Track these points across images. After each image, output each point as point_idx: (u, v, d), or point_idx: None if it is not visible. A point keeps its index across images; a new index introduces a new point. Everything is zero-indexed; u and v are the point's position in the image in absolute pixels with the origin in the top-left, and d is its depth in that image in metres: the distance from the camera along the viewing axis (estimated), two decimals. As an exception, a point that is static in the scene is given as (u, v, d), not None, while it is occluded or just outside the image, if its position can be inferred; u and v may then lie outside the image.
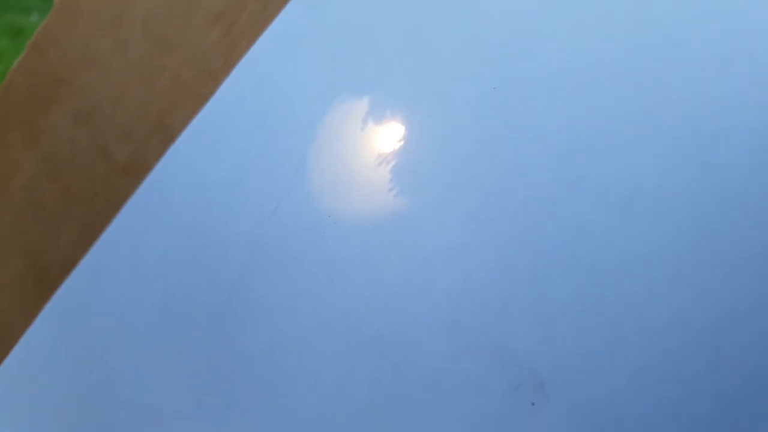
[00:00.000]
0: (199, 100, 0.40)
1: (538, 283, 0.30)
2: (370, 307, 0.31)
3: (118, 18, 0.44)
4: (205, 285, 0.35)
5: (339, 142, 0.34)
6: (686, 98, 0.28)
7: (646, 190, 0.29)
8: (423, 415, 0.31)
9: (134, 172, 0.41)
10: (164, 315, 0.36)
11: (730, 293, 0.28)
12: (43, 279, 0.42)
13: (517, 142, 0.31)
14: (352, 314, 0.32)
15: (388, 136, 0.34)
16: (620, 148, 0.29)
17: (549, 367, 0.29)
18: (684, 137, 0.28)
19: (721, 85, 0.28)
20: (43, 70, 0.46)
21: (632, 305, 0.29)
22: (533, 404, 0.29)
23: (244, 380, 0.34)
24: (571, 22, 0.30)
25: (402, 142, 0.33)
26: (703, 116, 0.28)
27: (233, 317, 0.35)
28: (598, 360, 0.29)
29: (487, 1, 0.33)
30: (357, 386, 0.32)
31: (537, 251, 0.30)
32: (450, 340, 0.31)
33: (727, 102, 0.28)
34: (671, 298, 0.28)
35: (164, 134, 0.40)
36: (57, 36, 0.45)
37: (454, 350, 0.31)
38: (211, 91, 0.39)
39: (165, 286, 0.36)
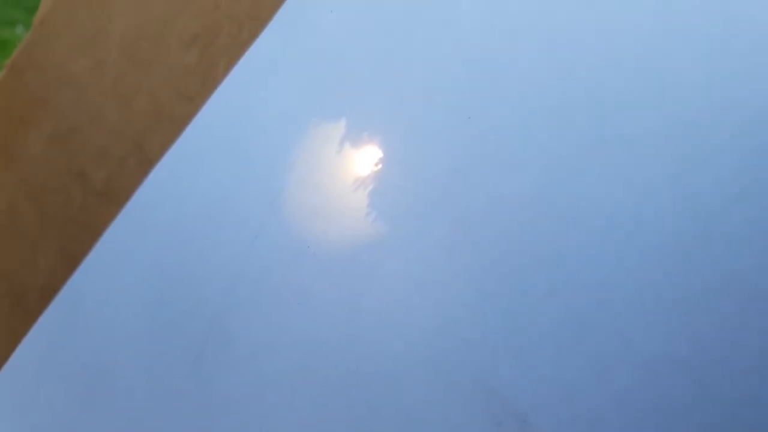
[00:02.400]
0: (177, 122, 0.39)
1: (516, 315, 0.29)
2: (349, 342, 0.31)
3: (95, 38, 0.43)
4: (183, 320, 0.35)
5: (316, 169, 0.34)
6: (660, 127, 0.28)
7: (622, 219, 0.28)
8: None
9: (111, 194, 0.40)
10: (144, 345, 0.36)
11: (710, 323, 0.27)
12: (21, 303, 0.42)
13: (492, 171, 0.30)
14: (330, 350, 0.31)
15: (364, 163, 0.33)
16: (595, 178, 0.29)
17: (531, 402, 0.29)
18: (658, 165, 0.28)
19: (697, 112, 0.27)
20: (21, 91, 0.45)
21: (612, 337, 0.28)
22: (513, 439, 0.28)
23: (222, 411, 0.33)
24: (545, 53, 0.30)
25: (378, 170, 0.33)
26: (679, 144, 0.27)
27: (212, 349, 0.35)
28: (580, 393, 0.28)
29: (463, 32, 0.32)
30: (336, 423, 0.31)
31: (514, 283, 0.29)
32: (430, 376, 0.30)
33: (704, 129, 0.27)
34: (651, 328, 0.28)
35: (141, 156, 0.40)
36: (35, 57, 0.45)
37: (435, 387, 0.30)
38: (189, 114, 0.39)
39: (143, 321, 0.36)
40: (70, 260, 0.41)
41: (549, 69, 0.30)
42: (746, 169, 0.27)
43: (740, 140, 0.27)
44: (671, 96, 0.28)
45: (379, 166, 0.33)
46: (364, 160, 0.33)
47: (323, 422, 0.32)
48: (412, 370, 0.31)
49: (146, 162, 0.40)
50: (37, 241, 0.42)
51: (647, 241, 0.28)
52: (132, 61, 0.42)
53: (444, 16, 0.34)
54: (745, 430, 0.27)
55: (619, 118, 0.29)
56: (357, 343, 0.31)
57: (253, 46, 0.38)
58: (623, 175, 0.28)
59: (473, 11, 0.34)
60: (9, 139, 0.45)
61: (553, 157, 0.29)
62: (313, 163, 0.35)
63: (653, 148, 0.28)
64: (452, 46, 0.32)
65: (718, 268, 0.27)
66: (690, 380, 0.27)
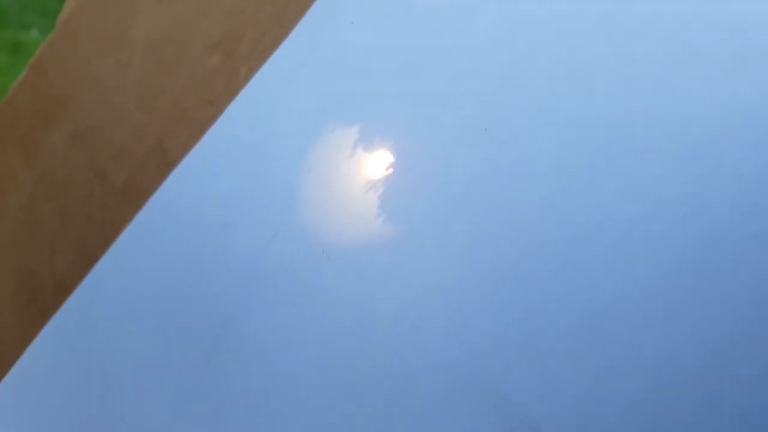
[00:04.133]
0: (198, 125, 0.40)
1: (530, 323, 0.30)
2: (363, 345, 0.31)
3: (119, 40, 0.44)
4: (199, 318, 0.35)
5: (335, 175, 0.34)
6: (673, 142, 0.28)
7: (635, 232, 0.29)
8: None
9: (130, 194, 0.41)
10: (158, 347, 0.36)
11: (719, 334, 0.28)
12: (37, 299, 0.42)
13: (508, 181, 0.31)
14: (344, 352, 0.32)
15: (379, 169, 0.34)
16: (609, 190, 0.29)
17: (542, 409, 0.29)
18: (671, 180, 0.28)
19: (708, 129, 0.28)
20: (43, 88, 0.46)
21: (623, 347, 0.29)
22: (525, 447, 0.29)
23: (235, 414, 0.34)
24: (562, 68, 0.31)
25: (392, 176, 0.34)
26: (690, 159, 0.28)
27: (225, 351, 0.35)
28: (591, 402, 0.29)
29: (482, 46, 0.33)
30: (348, 425, 0.31)
31: (528, 291, 0.30)
32: (443, 381, 0.31)
33: (714, 146, 0.28)
34: (662, 339, 0.28)
35: (161, 158, 0.40)
36: (58, 56, 0.46)
37: (447, 391, 0.31)
38: (211, 118, 0.39)
39: (159, 318, 0.37)
40: (87, 258, 0.41)
41: (565, 83, 0.31)
42: (754, 185, 0.28)
43: (747, 157, 0.28)
44: (685, 112, 0.29)
45: (394, 172, 0.34)
46: (380, 166, 0.34)
47: (335, 425, 0.32)
48: (424, 375, 0.31)
49: (167, 164, 0.40)
50: (55, 238, 0.43)
51: (660, 253, 0.28)
52: (156, 63, 0.42)
53: (463, 30, 0.35)
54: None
55: (633, 133, 0.29)
56: (370, 347, 0.32)
57: (275, 53, 0.38)
58: (637, 188, 0.29)
59: (492, 28, 0.34)
60: (31, 137, 0.45)
61: (568, 170, 0.30)
62: (331, 168, 0.35)
63: (666, 162, 0.29)
64: (470, 59, 0.33)
65: (729, 281, 0.28)
66: (701, 392, 0.28)
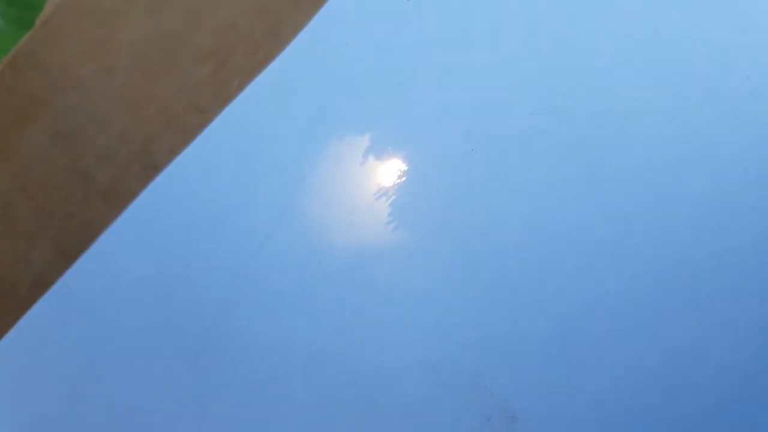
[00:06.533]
0: (187, 131, 0.41)
1: (509, 324, 0.33)
2: (349, 342, 0.34)
3: (103, 45, 0.45)
4: (182, 321, 0.36)
5: (325, 186, 0.37)
6: (646, 165, 0.33)
7: (609, 243, 0.33)
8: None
9: (114, 196, 0.42)
10: (137, 347, 0.37)
11: (682, 337, 0.32)
12: (11, 294, 0.42)
13: (492, 194, 0.34)
14: (330, 349, 0.34)
15: (372, 182, 0.36)
16: (586, 205, 0.33)
17: (519, 400, 0.32)
18: (642, 199, 0.33)
19: (681, 154, 0.33)
20: (20, 88, 0.46)
21: (595, 346, 0.32)
22: (505, 434, 0.32)
23: (219, 411, 0.35)
24: (547, 95, 0.34)
25: (386, 188, 0.36)
26: (663, 175, 0.32)
27: (211, 351, 0.36)
28: (564, 394, 0.32)
29: (470, 75, 0.36)
30: (334, 419, 0.33)
31: (509, 295, 0.33)
32: (425, 376, 0.33)
33: (685, 173, 0.32)
34: (630, 340, 0.32)
35: (147, 161, 0.42)
36: (37, 57, 0.46)
37: (429, 385, 0.33)
38: (200, 124, 0.41)
39: (139, 319, 0.37)
40: (65, 256, 0.42)
41: (548, 109, 0.34)
42: (719, 206, 0.32)
43: (717, 181, 0.33)
44: (660, 137, 0.33)
45: (384, 182, 0.36)
46: (370, 177, 0.37)
47: (322, 417, 0.34)
48: (409, 369, 0.34)
49: (152, 166, 0.41)
50: (32, 234, 0.43)
51: (629, 265, 0.32)
52: (143, 70, 0.44)
53: (452, 58, 0.38)
54: (715, 428, 0.31)
55: (611, 157, 0.33)
56: (356, 344, 0.34)
57: (268, 68, 0.40)
58: (611, 206, 0.33)
59: (482, 56, 0.38)
60: (3, 135, 0.45)
61: (548, 188, 0.33)
62: (323, 178, 0.37)
63: (639, 184, 0.33)
64: (459, 89, 0.36)
65: (690, 290, 0.32)
66: (661, 386, 0.32)
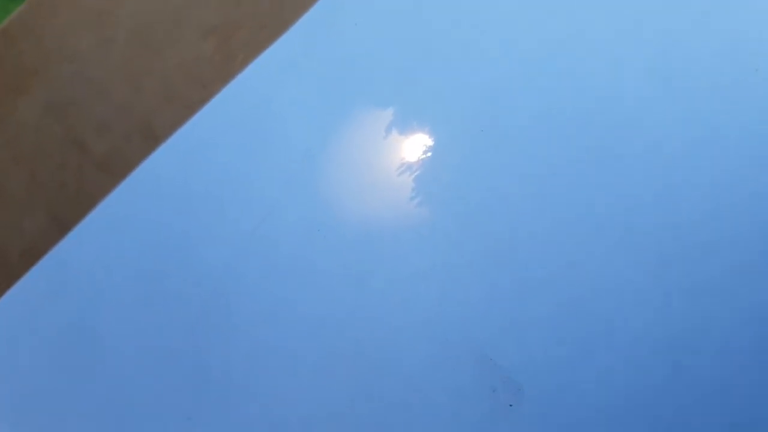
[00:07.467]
0: (189, 105, 0.41)
1: (516, 297, 0.34)
2: (353, 315, 0.34)
3: (101, 16, 0.44)
4: (182, 292, 0.36)
5: (329, 160, 0.37)
6: (661, 139, 0.34)
7: (618, 220, 0.34)
8: (403, 418, 0.34)
9: (112, 166, 0.41)
10: (134, 318, 0.37)
11: (689, 313, 0.33)
12: (2, 263, 0.42)
13: (500, 172, 0.35)
14: (334, 322, 0.34)
15: (378, 157, 0.37)
16: (592, 185, 0.35)
17: (526, 372, 0.33)
18: (655, 176, 0.34)
19: (686, 136, 0.34)
20: (11, 58, 0.45)
21: (601, 320, 0.33)
22: (511, 406, 0.33)
23: (219, 382, 0.35)
24: (558, 73, 0.36)
25: (392, 162, 0.37)
26: (674, 155, 0.34)
27: (211, 324, 0.36)
28: (570, 367, 0.33)
29: (476, 56, 0.37)
30: (339, 390, 0.34)
31: (517, 268, 0.34)
32: (430, 348, 0.34)
33: (695, 147, 0.34)
34: (637, 314, 0.33)
35: (147, 133, 0.42)
36: (30, 27, 0.45)
37: (435, 357, 0.34)
38: (202, 99, 0.41)
39: (137, 290, 0.37)
40: (59, 225, 0.41)
41: (558, 89, 0.36)
42: (729, 186, 0.34)
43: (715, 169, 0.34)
44: (671, 120, 0.35)
45: (387, 158, 0.37)
46: (375, 153, 0.37)
47: (327, 388, 0.35)
48: (415, 339, 0.34)
49: (152, 138, 0.41)
50: (24, 203, 0.43)
51: (634, 241, 0.34)
52: (143, 43, 0.43)
53: (462, 39, 0.39)
54: (718, 403, 0.32)
55: (622, 137, 0.35)
56: (361, 315, 0.35)
57: (273, 45, 0.41)
58: (621, 184, 0.34)
59: (485, 37, 0.39)
60: (-7, 104, 0.45)
61: (555, 165, 0.35)
62: (328, 153, 0.38)
63: (649, 164, 0.34)
64: (467, 71, 0.37)
65: (699, 268, 0.33)
66: (665, 361, 0.33)
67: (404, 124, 0.38)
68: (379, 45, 0.40)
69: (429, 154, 0.37)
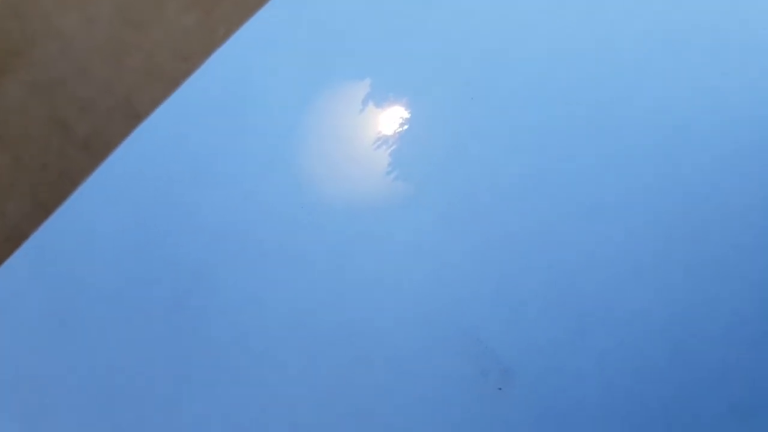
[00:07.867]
0: (171, 81, 0.40)
1: (506, 278, 0.32)
2: (341, 297, 0.33)
3: (85, -4, 0.44)
4: (165, 272, 0.35)
5: (313, 134, 0.36)
6: (654, 107, 0.32)
7: (610, 195, 0.32)
8: (393, 400, 0.32)
9: (95, 146, 0.41)
10: (119, 299, 0.36)
11: (687, 293, 0.31)
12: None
13: (489, 147, 0.33)
14: (322, 304, 0.33)
15: (364, 131, 0.36)
16: (585, 157, 0.33)
17: (515, 355, 0.31)
18: (646, 159, 0.32)
19: (685, 122, 0.32)
20: (-3, 39, 0.45)
21: (594, 300, 0.31)
22: (500, 389, 0.31)
23: (202, 361, 0.34)
24: (550, 50, 0.34)
25: (374, 136, 0.35)
26: (669, 125, 0.32)
27: (192, 305, 0.35)
28: (562, 349, 0.31)
29: (469, 27, 0.36)
30: (327, 373, 0.32)
31: (507, 249, 0.32)
32: (419, 330, 0.32)
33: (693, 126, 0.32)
34: (632, 294, 0.31)
35: (128, 111, 0.41)
36: (14, 8, 0.45)
37: (424, 339, 0.32)
38: (183, 73, 0.40)
39: (118, 270, 0.36)
40: (42, 208, 0.40)
41: (551, 63, 0.34)
42: (731, 160, 0.32)
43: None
44: (665, 88, 0.33)
45: (375, 132, 0.36)
46: (363, 126, 0.36)
47: (313, 373, 0.33)
48: (403, 323, 0.33)
49: (134, 116, 0.40)
50: (7, 186, 0.42)
51: (628, 223, 0.32)
52: (126, 20, 0.43)
53: (440, 10, 0.37)
54: (715, 386, 0.31)
55: (612, 105, 0.33)
56: (349, 296, 0.33)
57: (254, 17, 0.40)
58: (614, 157, 0.32)
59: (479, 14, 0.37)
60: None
61: (544, 138, 0.33)
62: (313, 128, 0.37)
63: (643, 134, 0.32)
64: (459, 38, 0.36)
65: (697, 244, 0.31)
66: (661, 342, 0.31)
67: (391, 95, 0.36)
68: (358, 17, 0.38)
69: (405, 127, 0.35)
